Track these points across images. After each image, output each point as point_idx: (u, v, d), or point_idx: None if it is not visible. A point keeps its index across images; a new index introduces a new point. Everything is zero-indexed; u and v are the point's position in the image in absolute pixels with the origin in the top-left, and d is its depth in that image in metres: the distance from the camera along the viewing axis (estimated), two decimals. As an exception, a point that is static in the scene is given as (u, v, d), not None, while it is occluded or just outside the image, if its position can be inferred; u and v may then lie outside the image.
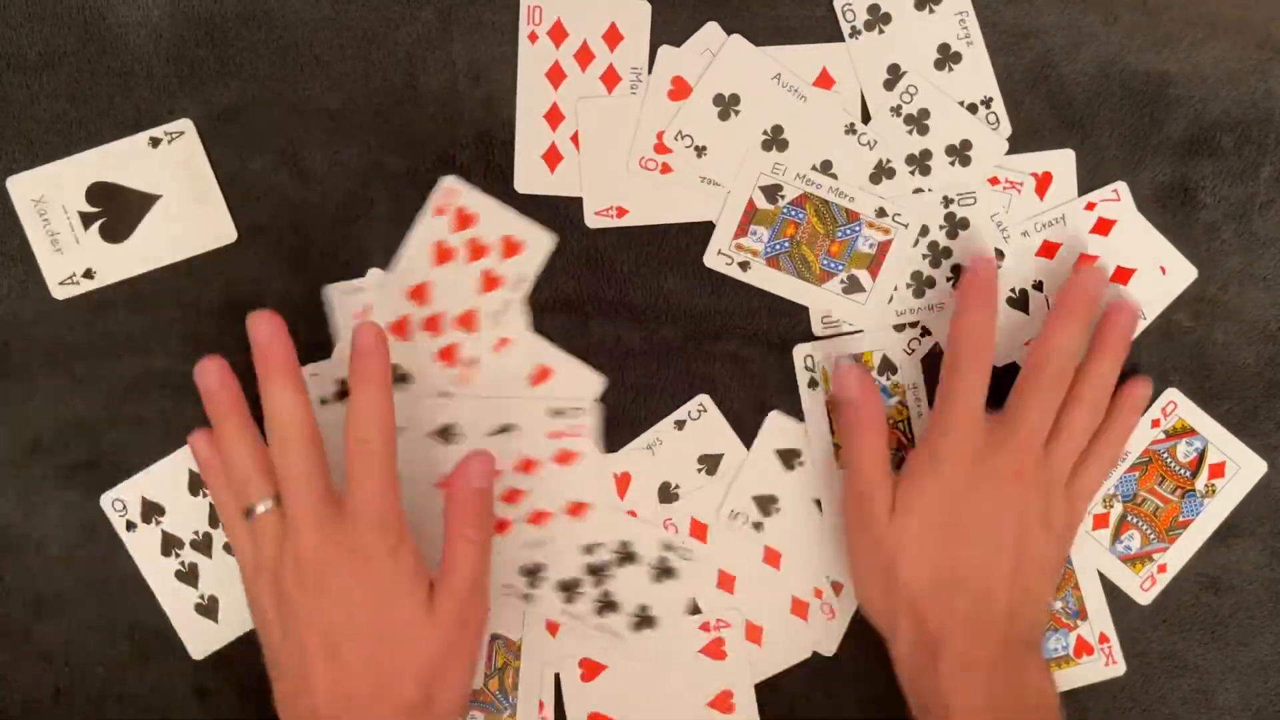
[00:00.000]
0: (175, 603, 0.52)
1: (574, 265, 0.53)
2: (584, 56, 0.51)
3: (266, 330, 0.46)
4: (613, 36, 0.51)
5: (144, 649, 0.53)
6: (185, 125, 0.51)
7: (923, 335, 0.53)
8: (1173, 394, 0.54)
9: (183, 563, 0.52)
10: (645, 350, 0.53)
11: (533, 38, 0.51)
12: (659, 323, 0.53)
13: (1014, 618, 0.48)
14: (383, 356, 0.46)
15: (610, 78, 0.51)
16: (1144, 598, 0.54)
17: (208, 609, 0.52)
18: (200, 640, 0.53)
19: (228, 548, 0.52)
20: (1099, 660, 0.54)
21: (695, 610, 0.53)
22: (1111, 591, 0.54)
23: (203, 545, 0.52)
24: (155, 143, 0.50)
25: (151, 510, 0.52)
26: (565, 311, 0.53)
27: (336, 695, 0.45)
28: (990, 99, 0.52)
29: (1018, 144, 0.53)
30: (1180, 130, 0.53)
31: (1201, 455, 0.54)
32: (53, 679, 0.53)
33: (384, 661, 0.45)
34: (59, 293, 0.51)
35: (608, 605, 0.52)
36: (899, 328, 0.53)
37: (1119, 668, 0.54)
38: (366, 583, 0.45)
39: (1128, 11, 0.53)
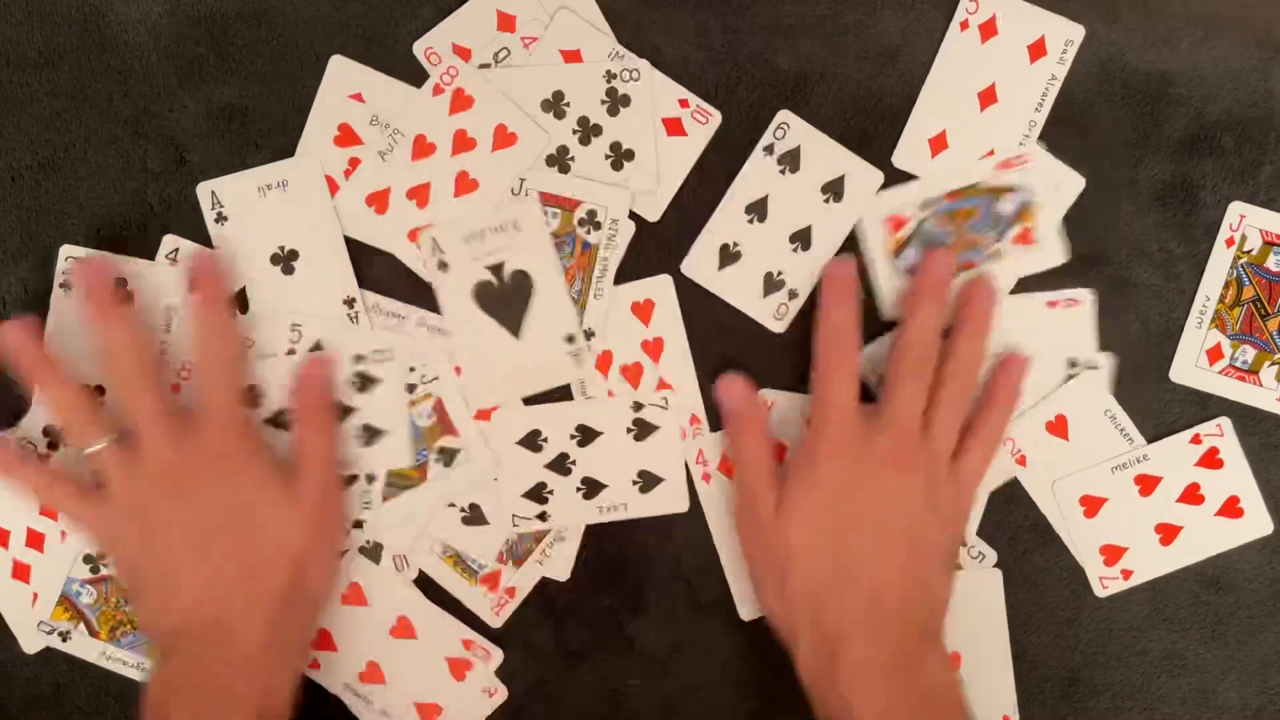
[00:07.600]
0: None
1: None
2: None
3: (94, 272, 0.49)
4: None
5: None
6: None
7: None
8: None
9: None
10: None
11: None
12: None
13: (909, 611, 0.48)
14: (221, 279, 0.50)
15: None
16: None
17: None
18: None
19: None
20: None
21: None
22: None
23: None
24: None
25: None
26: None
27: (209, 589, 0.47)
28: None
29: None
30: (1181, 129, 0.53)
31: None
32: (52, 675, 0.53)
33: (252, 549, 0.48)
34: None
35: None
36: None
37: None
38: (226, 481, 0.48)
39: (1128, 11, 0.52)
